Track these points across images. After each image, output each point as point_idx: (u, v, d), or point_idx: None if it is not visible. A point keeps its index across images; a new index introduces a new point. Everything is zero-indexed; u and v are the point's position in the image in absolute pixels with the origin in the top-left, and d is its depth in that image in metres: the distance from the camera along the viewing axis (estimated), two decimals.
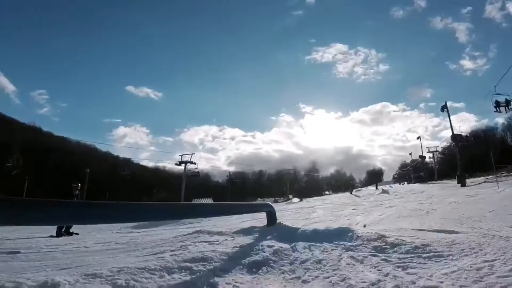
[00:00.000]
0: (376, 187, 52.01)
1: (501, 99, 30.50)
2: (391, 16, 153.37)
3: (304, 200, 50.94)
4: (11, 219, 3.02)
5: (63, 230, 12.44)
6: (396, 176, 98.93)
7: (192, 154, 53.94)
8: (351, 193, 47.12)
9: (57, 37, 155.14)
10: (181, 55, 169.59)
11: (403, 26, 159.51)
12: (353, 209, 19.09)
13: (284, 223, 7.38)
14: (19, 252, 7.03)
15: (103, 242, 8.86)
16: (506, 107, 30.84)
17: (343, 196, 40.48)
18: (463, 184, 29.55)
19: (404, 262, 4.20)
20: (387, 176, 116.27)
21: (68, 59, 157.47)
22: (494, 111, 31.82)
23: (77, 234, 12.66)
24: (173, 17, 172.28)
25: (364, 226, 9.74)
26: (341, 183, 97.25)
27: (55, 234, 11.67)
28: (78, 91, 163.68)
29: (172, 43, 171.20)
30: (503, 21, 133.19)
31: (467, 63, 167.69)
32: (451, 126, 39.31)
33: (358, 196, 33.90)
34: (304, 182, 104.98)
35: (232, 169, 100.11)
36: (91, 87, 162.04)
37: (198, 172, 58.95)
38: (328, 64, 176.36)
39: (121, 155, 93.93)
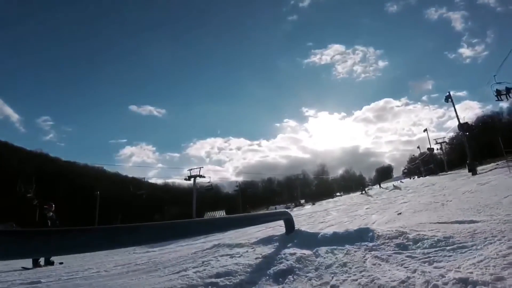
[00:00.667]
0: (380, 186, 50.60)
1: (502, 87, 30.76)
2: (385, 12, 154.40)
3: (316, 203, 50.81)
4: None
5: (39, 260, 11.56)
6: (405, 171, 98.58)
7: (200, 167, 54.04)
8: (362, 193, 46.16)
9: (56, 62, 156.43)
10: (181, 71, 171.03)
11: (399, 20, 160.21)
12: (367, 209, 19.02)
13: (302, 229, 7.36)
14: (40, 282, 7.00)
15: (122, 264, 8.83)
16: (507, 95, 31.05)
17: (355, 196, 40.29)
18: (474, 173, 29.31)
19: (430, 257, 4.20)
20: (397, 172, 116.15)
21: (69, 84, 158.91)
22: (496, 100, 32.26)
23: (61, 263, 11.55)
24: (170, 34, 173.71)
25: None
26: (352, 183, 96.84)
27: (30, 266, 11.04)
28: (82, 114, 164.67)
29: (170, 59, 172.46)
30: (498, 5, 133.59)
31: (465, 51, 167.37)
32: (457, 116, 39.13)
33: (371, 196, 33.53)
34: (315, 186, 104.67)
35: (240, 179, 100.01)
36: (94, 109, 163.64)
37: (211, 184, 59.05)
38: (327, 65, 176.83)
39: (130, 175, 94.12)
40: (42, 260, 11.66)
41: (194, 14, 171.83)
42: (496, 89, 30.94)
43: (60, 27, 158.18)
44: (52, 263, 11.71)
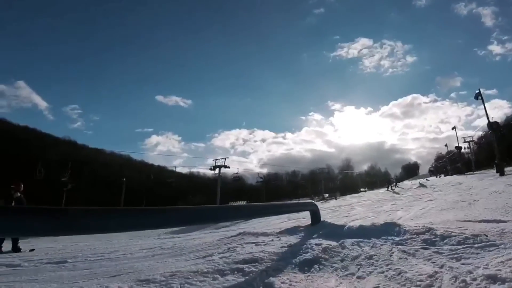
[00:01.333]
0: (392, 186, 45.54)
1: None
2: (413, 6, 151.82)
3: (340, 198, 50.48)
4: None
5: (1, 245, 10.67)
6: (432, 169, 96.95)
7: (225, 158, 54.43)
8: (388, 189, 42.42)
9: (84, 52, 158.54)
10: (208, 62, 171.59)
11: (427, 15, 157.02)
12: (392, 205, 18.88)
13: (328, 221, 7.38)
14: (66, 262, 7.10)
15: (147, 248, 8.89)
16: None
17: (380, 193, 39.84)
18: (502, 173, 28.81)
19: (457, 253, 4.20)
20: (423, 170, 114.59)
21: (97, 74, 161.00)
22: None
23: (32, 250, 10.33)
24: (197, 27, 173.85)
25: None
26: (377, 179, 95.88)
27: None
28: (109, 104, 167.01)
29: (198, 50, 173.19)
30: None
31: (496, 48, 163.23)
32: (487, 114, 38.21)
33: (397, 193, 32.95)
34: (339, 180, 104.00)
35: (265, 170, 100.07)
36: (122, 99, 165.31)
37: (238, 175, 59.47)
38: (354, 59, 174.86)
39: (155, 163, 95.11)
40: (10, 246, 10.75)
41: (223, 7, 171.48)
42: None
43: (91, 18, 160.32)
44: (19, 250, 10.54)
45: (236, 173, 67.16)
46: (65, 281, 4.81)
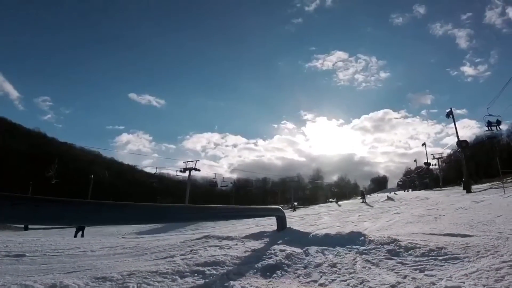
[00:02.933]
0: (365, 198, 44.29)
1: (493, 119, 35.11)
2: (390, 23, 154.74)
3: (309, 207, 50.75)
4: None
5: None
6: (400, 183, 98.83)
7: (196, 161, 54.24)
8: (363, 201, 39.42)
9: (61, 45, 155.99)
10: (183, 63, 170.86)
11: (403, 33, 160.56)
12: (359, 216, 19.06)
13: (294, 228, 7.33)
14: (24, 255, 6.95)
15: (109, 246, 8.73)
16: (497, 126, 35.81)
17: (348, 203, 40.19)
18: (469, 191, 29.61)
19: (421, 265, 4.18)
20: (392, 183, 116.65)
21: (72, 67, 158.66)
22: (486, 130, 37.55)
23: None
24: (176, 26, 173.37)
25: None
26: (346, 191, 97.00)
27: None
28: (81, 98, 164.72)
29: (174, 51, 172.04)
30: (504, 27, 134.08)
31: (468, 70, 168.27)
32: (457, 133, 39.48)
33: (368, 204, 32.98)
34: (309, 190, 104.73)
35: (235, 176, 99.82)
36: (94, 94, 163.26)
37: (216, 181, 59.42)
38: (328, 71, 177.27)
39: (125, 162, 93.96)
40: None
41: (200, 9, 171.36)
42: (488, 121, 35.36)
43: (70, 12, 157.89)
44: None
45: (214, 178, 67.26)
46: (20, 274, 4.71)
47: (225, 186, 76.11)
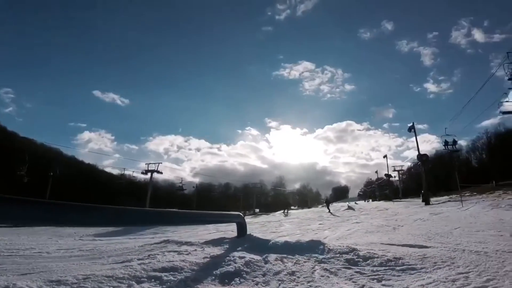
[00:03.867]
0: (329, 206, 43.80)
1: (450, 139, 38.34)
2: (358, 37, 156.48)
3: (271, 214, 50.75)
4: None
5: None
6: (361, 193, 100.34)
7: (159, 163, 53.68)
8: (329, 210, 36.29)
9: (25, 36, 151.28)
10: (150, 63, 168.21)
11: (370, 47, 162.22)
12: (319, 224, 19.15)
13: (254, 235, 7.29)
14: None
15: (65, 248, 8.54)
16: (454, 146, 39.23)
17: (309, 211, 40.52)
18: (428, 203, 30.43)
19: (378, 275, 4.21)
20: (352, 193, 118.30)
21: (37, 59, 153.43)
22: (443, 149, 40.94)
23: None
24: (144, 26, 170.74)
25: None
26: (308, 199, 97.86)
27: None
28: (44, 92, 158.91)
29: (141, 51, 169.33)
30: (468, 47, 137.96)
31: (431, 87, 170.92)
32: (418, 146, 40.83)
33: (331, 213, 33.03)
34: (271, 197, 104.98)
35: (197, 180, 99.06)
36: (57, 88, 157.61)
37: (182, 185, 58.82)
38: (294, 80, 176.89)
39: (86, 160, 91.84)
40: None
41: (171, 11, 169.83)
42: (445, 140, 38.46)
43: (36, 2, 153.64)
44: None
45: (180, 182, 66.78)
46: None
47: (180, 189, 75.92)
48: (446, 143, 38.48)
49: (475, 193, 31.52)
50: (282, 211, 45.93)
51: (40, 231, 13.09)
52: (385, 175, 70.62)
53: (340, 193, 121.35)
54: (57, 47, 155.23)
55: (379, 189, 76.51)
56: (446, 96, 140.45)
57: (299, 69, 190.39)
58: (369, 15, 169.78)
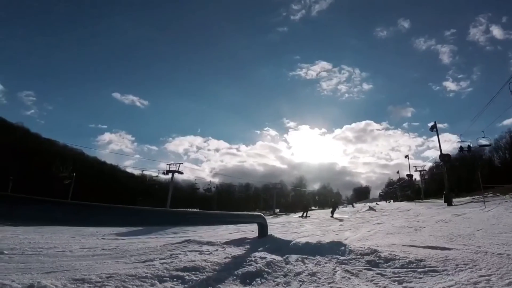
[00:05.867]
0: (353, 206, 43.12)
1: (465, 145, 39.19)
2: (374, 36, 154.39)
3: (291, 214, 50.50)
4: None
5: None
6: (382, 193, 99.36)
7: (180, 163, 53.76)
8: (332, 215, 30.20)
9: (47, 40, 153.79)
10: (169, 66, 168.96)
11: (387, 46, 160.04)
12: (340, 225, 19.02)
13: (275, 236, 7.31)
14: (2, 253, 6.82)
15: (88, 247, 8.61)
16: (468, 151, 40.80)
17: (330, 212, 40.27)
18: (450, 204, 29.83)
19: (400, 276, 4.19)
20: (373, 194, 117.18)
21: (57, 62, 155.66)
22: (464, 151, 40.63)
23: None
24: (162, 30, 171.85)
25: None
26: (328, 199, 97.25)
27: None
28: (65, 94, 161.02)
29: (160, 53, 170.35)
30: (487, 44, 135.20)
31: (450, 85, 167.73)
32: (440, 146, 39.91)
33: (341, 220, 31.69)
34: (291, 197, 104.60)
35: (216, 180, 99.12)
36: (78, 91, 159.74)
37: (211, 187, 59.15)
38: (312, 81, 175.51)
39: (108, 161, 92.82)
40: None
41: (187, 16, 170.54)
42: (461, 146, 39.49)
43: (55, 6, 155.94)
44: None
45: (208, 184, 67.14)
46: None
47: (208, 190, 76.28)
48: (461, 149, 39.43)
49: (498, 194, 30.91)
50: (301, 213, 37.51)
51: (63, 230, 13.25)
52: (407, 175, 69.59)
53: (361, 194, 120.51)
54: (77, 50, 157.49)
55: (401, 189, 75.68)
56: (466, 95, 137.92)
57: (316, 69, 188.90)
58: (385, 13, 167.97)
